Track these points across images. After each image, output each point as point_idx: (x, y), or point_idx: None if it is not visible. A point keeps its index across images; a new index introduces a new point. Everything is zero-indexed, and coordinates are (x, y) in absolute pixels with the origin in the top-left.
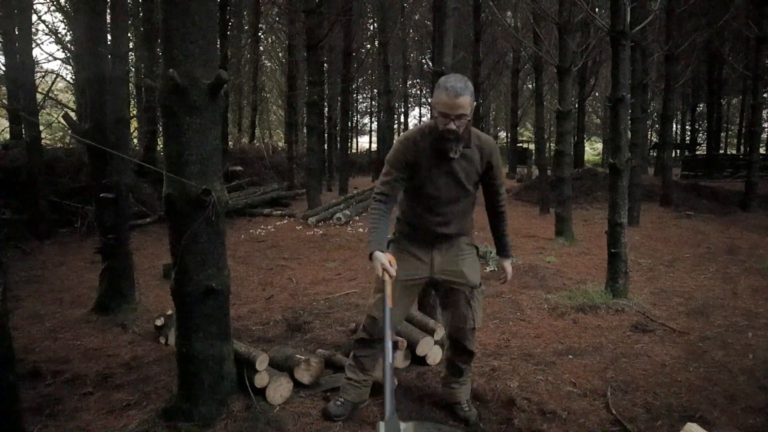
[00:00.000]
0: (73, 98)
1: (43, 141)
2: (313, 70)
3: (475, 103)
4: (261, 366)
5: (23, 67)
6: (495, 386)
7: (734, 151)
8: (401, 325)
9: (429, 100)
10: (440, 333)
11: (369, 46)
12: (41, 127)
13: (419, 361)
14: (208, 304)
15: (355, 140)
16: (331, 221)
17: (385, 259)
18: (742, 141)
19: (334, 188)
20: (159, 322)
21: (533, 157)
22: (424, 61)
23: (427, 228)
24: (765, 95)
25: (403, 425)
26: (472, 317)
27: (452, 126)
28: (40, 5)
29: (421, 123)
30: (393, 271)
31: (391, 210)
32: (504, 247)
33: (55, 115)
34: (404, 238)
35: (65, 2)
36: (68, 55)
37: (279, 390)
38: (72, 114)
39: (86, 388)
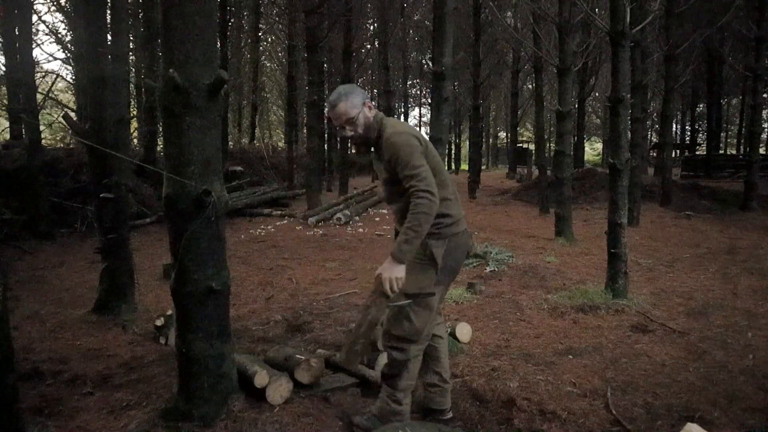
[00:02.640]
0: (74, 98)
1: (43, 141)
2: (313, 70)
3: (365, 102)
4: (261, 383)
5: (23, 67)
6: (495, 386)
7: (734, 152)
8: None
9: (429, 100)
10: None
11: (369, 46)
12: (41, 128)
13: None
14: (208, 304)
15: None
16: (331, 221)
17: None
18: (742, 141)
19: (334, 188)
20: (159, 322)
21: (533, 157)
22: (424, 61)
23: (396, 224)
24: (765, 95)
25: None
26: (390, 320)
27: (346, 133)
28: (40, 5)
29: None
30: None
31: None
32: (395, 243)
33: (56, 116)
34: None
35: (65, 2)
36: (68, 55)
37: (279, 390)
38: (72, 114)
39: (86, 388)
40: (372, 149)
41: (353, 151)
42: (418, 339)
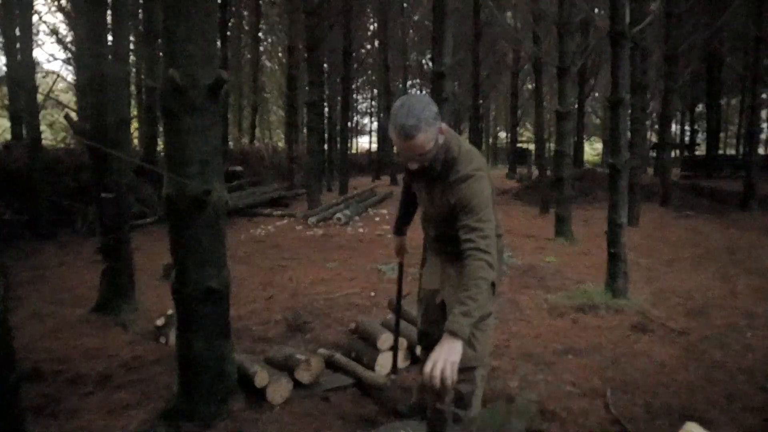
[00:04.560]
0: (74, 98)
1: (44, 141)
2: (313, 71)
3: (441, 125)
4: (261, 383)
5: (24, 67)
6: (495, 386)
7: (733, 152)
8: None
9: None
10: None
11: (369, 46)
12: (42, 128)
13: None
14: (208, 304)
15: (355, 140)
16: (331, 221)
17: (395, 242)
18: (742, 141)
19: (334, 188)
20: (159, 322)
21: (533, 157)
22: (424, 61)
23: (428, 239)
24: (764, 96)
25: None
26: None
27: (413, 165)
28: (40, 6)
29: None
30: (400, 256)
31: (412, 198)
32: (452, 315)
33: (56, 116)
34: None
35: (66, 3)
36: (69, 55)
37: (279, 390)
38: (73, 114)
39: (87, 388)
40: (427, 173)
41: (406, 173)
42: (482, 363)
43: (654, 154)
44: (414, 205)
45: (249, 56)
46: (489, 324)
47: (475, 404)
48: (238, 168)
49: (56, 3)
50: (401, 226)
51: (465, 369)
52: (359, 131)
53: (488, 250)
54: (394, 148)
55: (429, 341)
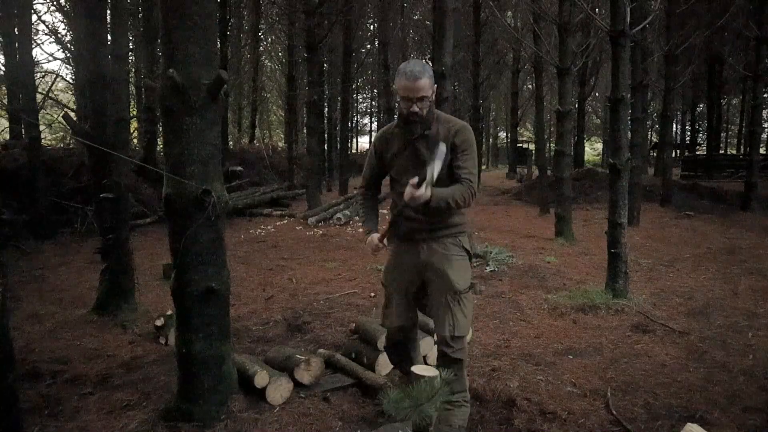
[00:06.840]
0: (74, 98)
1: (43, 141)
2: (313, 71)
3: (435, 85)
4: (261, 383)
5: (23, 67)
6: (495, 386)
7: (734, 152)
8: (413, 332)
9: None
10: None
11: (369, 46)
12: (41, 128)
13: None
14: (208, 305)
15: (355, 140)
16: (331, 221)
17: (373, 241)
18: (742, 141)
19: (334, 188)
20: (159, 322)
21: (533, 157)
22: (424, 61)
23: (407, 218)
24: (765, 95)
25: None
26: (452, 323)
27: (415, 108)
28: (39, 5)
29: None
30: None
31: (375, 196)
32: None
33: (56, 116)
34: (395, 237)
35: (65, 2)
36: (68, 55)
37: (279, 390)
38: (72, 114)
39: (86, 389)
40: (420, 132)
41: (401, 126)
42: (467, 332)
43: (654, 154)
44: (377, 197)
45: (249, 56)
46: (470, 297)
47: (465, 373)
48: (238, 168)
49: (55, 2)
50: (371, 221)
51: (460, 337)
52: (359, 131)
53: (474, 191)
54: (398, 100)
55: (406, 334)
